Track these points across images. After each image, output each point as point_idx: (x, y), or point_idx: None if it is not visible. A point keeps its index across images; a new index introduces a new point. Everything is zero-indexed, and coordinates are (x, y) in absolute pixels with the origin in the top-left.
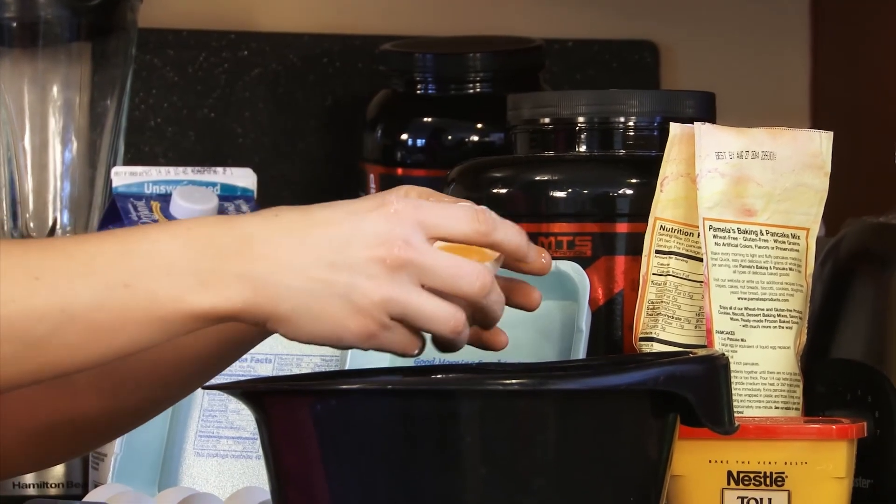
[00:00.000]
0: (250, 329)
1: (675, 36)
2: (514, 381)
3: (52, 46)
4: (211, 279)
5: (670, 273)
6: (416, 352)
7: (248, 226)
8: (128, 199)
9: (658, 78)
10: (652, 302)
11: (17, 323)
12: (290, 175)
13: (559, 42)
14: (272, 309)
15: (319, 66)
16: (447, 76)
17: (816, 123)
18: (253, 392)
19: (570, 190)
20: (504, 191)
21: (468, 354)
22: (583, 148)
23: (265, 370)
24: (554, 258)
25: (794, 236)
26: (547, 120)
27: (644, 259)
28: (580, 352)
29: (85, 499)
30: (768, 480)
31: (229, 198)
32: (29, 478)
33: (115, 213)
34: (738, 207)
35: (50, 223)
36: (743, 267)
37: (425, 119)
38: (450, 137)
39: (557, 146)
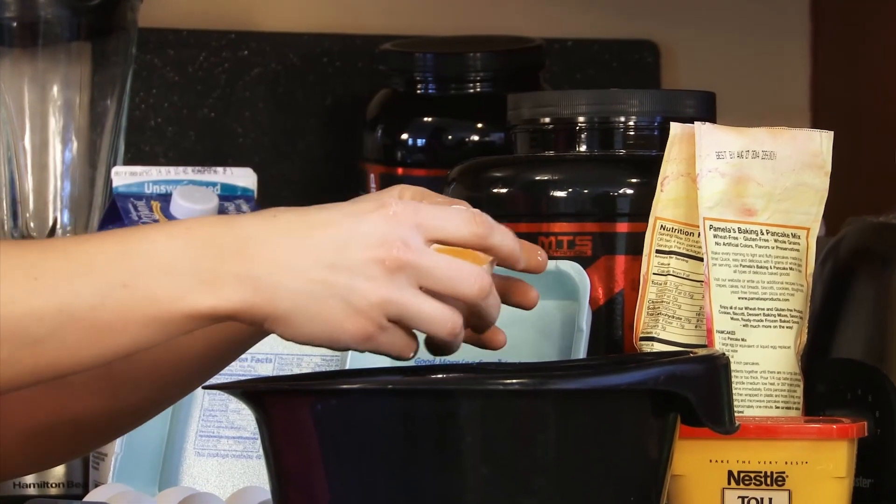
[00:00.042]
0: (249, 329)
1: (676, 36)
2: (514, 381)
3: (53, 46)
4: (210, 279)
5: (671, 273)
6: (412, 354)
7: (247, 226)
8: (128, 199)
9: (658, 78)
10: (652, 301)
11: (17, 323)
12: (291, 175)
13: (559, 42)
14: (270, 309)
15: (319, 65)
16: (447, 76)
17: (816, 123)
18: (253, 392)
19: (570, 189)
20: (504, 190)
21: (468, 354)
22: (583, 147)
23: (265, 370)
24: (554, 258)
25: (794, 236)
26: (547, 119)
27: (644, 259)
28: (580, 351)
29: (85, 499)
30: (769, 480)
31: (229, 197)
32: (29, 477)
33: (116, 212)
34: (738, 207)
35: (50, 223)
36: (743, 266)
37: (425, 118)
38: (450, 137)
39: (558, 146)
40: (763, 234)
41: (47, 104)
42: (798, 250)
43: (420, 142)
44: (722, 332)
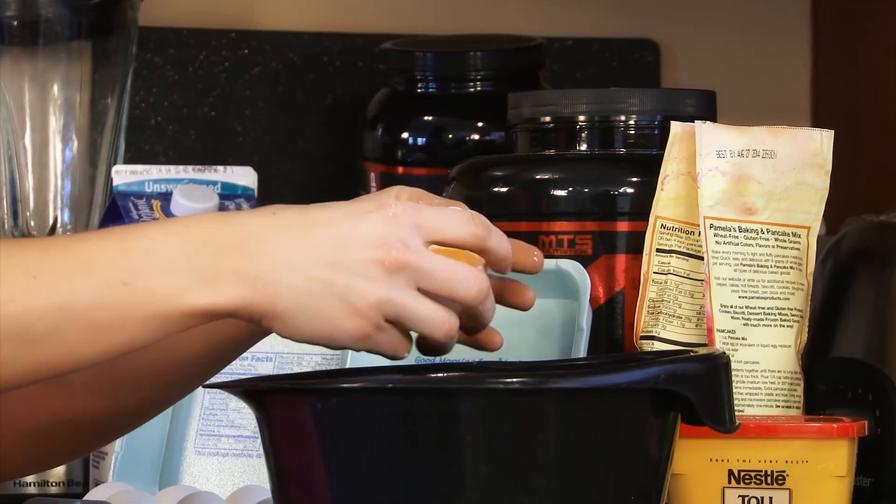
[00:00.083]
0: (248, 328)
1: (676, 35)
2: (514, 380)
3: (53, 45)
4: (209, 276)
5: (671, 271)
6: (406, 354)
7: (246, 223)
8: (128, 198)
9: (659, 76)
10: (653, 300)
11: (17, 322)
12: (291, 174)
13: (560, 41)
14: (269, 307)
15: (320, 64)
16: (448, 75)
17: (817, 122)
18: (254, 390)
19: (570, 188)
20: (505, 189)
21: (468, 354)
22: (583, 146)
23: (266, 368)
24: (555, 257)
25: (794, 235)
26: (547, 118)
27: (645, 257)
28: (581, 350)
29: (85, 497)
30: (769, 479)
31: (230, 196)
32: (29, 476)
33: (116, 211)
34: (738, 206)
35: (50, 222)
36: (744, 265)
37: (426, 118)
38: (450, 136)
39: (558, 145)
40: (763, 233)
41: (48, 103)
42: (798, 249)
43: (420, 141)
44: (722, 331)
